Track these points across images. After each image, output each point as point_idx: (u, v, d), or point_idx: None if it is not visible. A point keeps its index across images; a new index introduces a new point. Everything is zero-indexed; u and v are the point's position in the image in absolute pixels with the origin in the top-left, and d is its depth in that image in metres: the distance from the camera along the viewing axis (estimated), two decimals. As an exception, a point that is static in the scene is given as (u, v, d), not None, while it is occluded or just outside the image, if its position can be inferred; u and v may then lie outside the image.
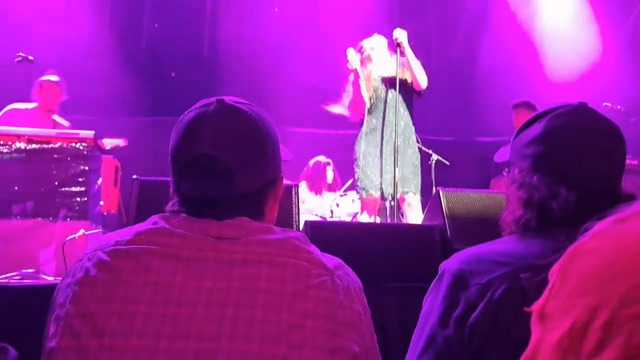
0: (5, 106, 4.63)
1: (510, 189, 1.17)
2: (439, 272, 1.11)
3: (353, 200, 4.96)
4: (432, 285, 1.12)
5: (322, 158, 5.55)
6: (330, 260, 0.97)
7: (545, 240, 1.04)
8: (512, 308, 0.97)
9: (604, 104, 4.78)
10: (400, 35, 3.92)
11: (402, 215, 3.99)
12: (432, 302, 1.10)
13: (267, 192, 1.04)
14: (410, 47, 3.96)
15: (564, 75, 6.09)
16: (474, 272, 1.03)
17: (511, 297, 0.98)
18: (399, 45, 3.91)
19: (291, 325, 0.86)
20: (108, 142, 4.86)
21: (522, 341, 0.93)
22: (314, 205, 5.22)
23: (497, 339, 0.98)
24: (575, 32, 6.32)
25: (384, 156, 3.97)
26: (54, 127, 4.67)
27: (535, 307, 0.49)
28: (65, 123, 4.82)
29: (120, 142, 4.91)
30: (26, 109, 4.67)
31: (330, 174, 5.47)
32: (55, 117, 4.79)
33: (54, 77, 4.76)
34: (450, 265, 1.09)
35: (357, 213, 4.64)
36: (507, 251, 1.05)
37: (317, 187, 5.41)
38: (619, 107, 4.80)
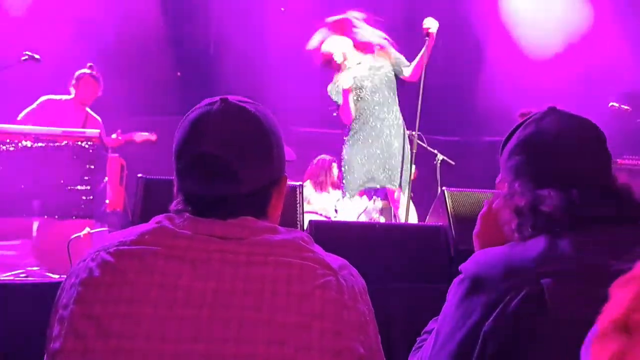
0: (11, 106, 4.66)
1: (500, 205, 1.19)
2: (460, 274, 1.10)
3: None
4: (451, 285, 1.11)
5: (325, 156, 5.54)
6: (335, 261, 0.96)
7: (563, 242, 1.02)
8: (530, 316, 0.95)
9: (610, 104, 4.77)
10: (433, 24, 3.82)
11: (395, 216, 4.00)
12: (449, 305, 1.09)
13: (271, 191, 1.04)
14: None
15: (571, 75, 6.06)
16: (492, 277, 1.02)
17: (530, 304, 0.96)
18: (428, 35, 3.82)
19: (298, 326, 0.86)
20: (139, 136, 4.97)
21: (539, 350, 0.93)
22: (319, 205, 5.21)
23: (513, 347, 0.96)
24: (585, 32, 6.29)
25: (377, 151, 3.92)
26: (85, 121, 4.76)
27: (612, 317, 0.49)
28: (98, 118, 4.88)
29: (152, 136, 5.07)
30: (60, 100, 4.74)
31: (335, 171, 5.46)
32: (89, 110, 4.85)
33: (92, 72, 4.81)
34: (468, 267, 1.08)
35: (361, 213, 4.63)
36: (527, 254, 1.02)
37: (323, 184, 5.40)
38: (624, 106, 4.78)
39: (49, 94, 4.77)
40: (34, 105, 4.63)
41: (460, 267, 1.10)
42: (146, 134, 5.14)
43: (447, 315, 1.08)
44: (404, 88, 4.10)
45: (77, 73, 4.79)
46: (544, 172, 1.11)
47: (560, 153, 1.11)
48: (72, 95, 4.77)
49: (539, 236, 1.06)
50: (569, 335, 0.93)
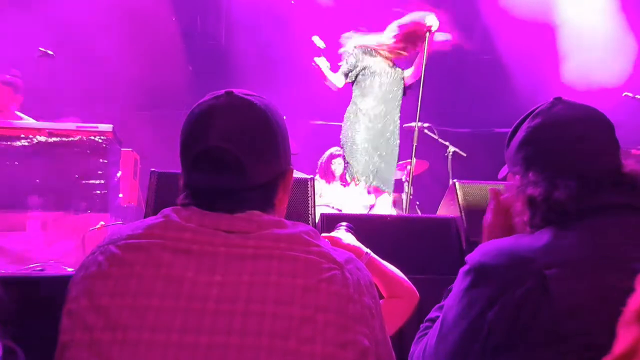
0: (29, 102, 4.66)
1: (512, 196, 1.17)
2: (466, 265, 1.10)
3: (369, 192, 4.95)
4: (459, 274, 1.11)
5: (332, 150, 5.49)
6: (341, 255, 0.96)
7: (569, 233, 1.02)
8: (533, 306, 0.96)
9: (624, 93, 4.72)
10: (435, 22, 3.84)
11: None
12: (453, 295, 1.09)
13: (277, 184, 1.04)
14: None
15: (582, 65, 6.01)
16: (496, 267, 1.02)
17: (534, 294, 0.96)
18: (429, 32, 3.84)
19: (302, 319, 0.86)
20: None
21: (543, 340, 0.93)
22: (330, 198, 5.21)
23: (517, 337, 0.97)
24: (594, 19, 6.22)
25: (378, 148, 3.98)
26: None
27: (635, 306, 0.54)
28: (29, 119, 4.53)
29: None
30: None
31: (336, 167, 5.38)
32: (19, 113, 4.59)
33: (6, 78, 4.53)
34: (473, 258, 1.08)
35: (373, 205, 4.63)
36: (532, 246, 1.03)
37: (326, 177, 5.39)
38: (638, 96, 4.73)
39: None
40: None
41: (466, 258, 1.10)
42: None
43: (451, 305, 1.08)
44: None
45: None
46: (556, 160, 1.10)
47: (573, 141, 1.10)
48: None
49: (546, 228, 1.06)
50: (573, 324, 0.94)
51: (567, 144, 1.11)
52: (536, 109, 1.19)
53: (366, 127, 3.94)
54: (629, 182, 1.07)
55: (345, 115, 4.08)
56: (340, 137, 4.10)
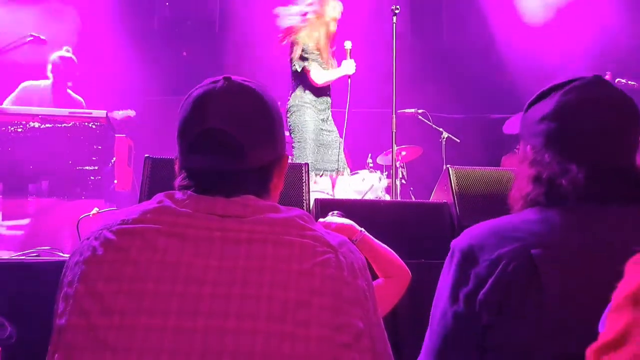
0: (17, 86, 4.66)
1: (521, 166, 1.15)
2: (450, 250, 1.10)
3: (363, 179, 4.97)
4: (445, 262, 1.12)
5: None
6: (334, 238, 0.97)
7: (558, 215, 1.03)
8: (522, 285, 0.96)
9: (617, 79, 4.73)
10: (348, 46, 4.07)
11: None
12: (443, 279, 1.10)
13: (273, 170, 1.05)
14: None
15: (578, 51, 6.01)
16: (483, 247, 1.03)
17: (522, 273, 0.97)
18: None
19: (298, 303, 0.87)
20: (118, 114, 4.96)
21: (531, 318, 0.95)
22: (325, 185, 5.22)
23: (507, 315, 0.98)
24: (592, 7, 6.22)
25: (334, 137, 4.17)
26: (69, 104, 4.72)
27: (627, 291, 0.57)
28: (80, 98, 4.84)
29: (130, 112, 5.04)
30: (39, 86, 4.68)
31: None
32: (70, 92, 4.80)
33: (69, 53, 4.77)
34: (460, 241, 1.09)
35: (367, 191, 4.65)
36: (519, 226, 1.03)
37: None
38: (631, 82, 4.75)
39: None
40: (15, 92, 4.57)
41: (451, 243, 1.11)
42: (122, 111, 5.09)
43: (441, 289, 1.10)
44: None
45: (52, 56, 4.71)
46: (577, 146, 1.08)
47: (600, 131, 1.07)
48: (51, 80, 4.68)
49: (533, 208, 1.07)
50: (558, 304, 0.95)
51: (595, 130, 1.07)
52: (571, 81, 1.13)
53: (313, 120, 4.05)
54: (633, 178, 1.07)
55: (289, 106, 4.11)
56: (289, 125, 4.13)
